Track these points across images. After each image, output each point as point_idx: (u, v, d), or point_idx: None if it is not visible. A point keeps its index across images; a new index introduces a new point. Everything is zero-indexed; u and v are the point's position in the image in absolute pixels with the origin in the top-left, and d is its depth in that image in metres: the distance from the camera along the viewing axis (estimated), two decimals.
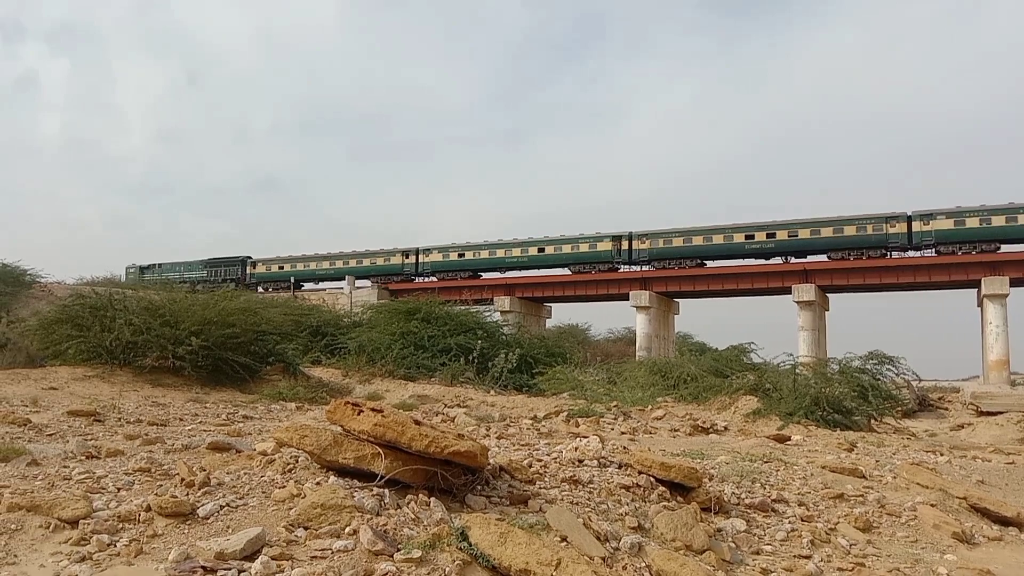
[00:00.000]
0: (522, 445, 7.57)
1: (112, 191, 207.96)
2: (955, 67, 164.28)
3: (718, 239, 46.15)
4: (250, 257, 63.66)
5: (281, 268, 61.39)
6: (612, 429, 11.11)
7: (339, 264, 58.08)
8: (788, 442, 10.86)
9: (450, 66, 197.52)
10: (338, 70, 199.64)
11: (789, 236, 44.77)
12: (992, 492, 8.72)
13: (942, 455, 11.21)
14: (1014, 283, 40.39)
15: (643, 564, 4.44)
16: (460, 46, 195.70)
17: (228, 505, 4.58)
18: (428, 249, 54.86)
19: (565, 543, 4.37)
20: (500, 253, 52.04)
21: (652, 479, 5.98)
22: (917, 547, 6.17)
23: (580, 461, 6.42)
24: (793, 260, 45.64)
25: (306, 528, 4.20)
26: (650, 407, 14.51)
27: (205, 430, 8.71)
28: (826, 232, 43.85)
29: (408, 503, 4.61)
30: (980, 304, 41.72)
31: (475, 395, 15.73)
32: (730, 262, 47.25)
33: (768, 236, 45.24)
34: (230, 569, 3.71)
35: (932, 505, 7.18)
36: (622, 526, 5.10)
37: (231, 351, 14.84)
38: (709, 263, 47.62)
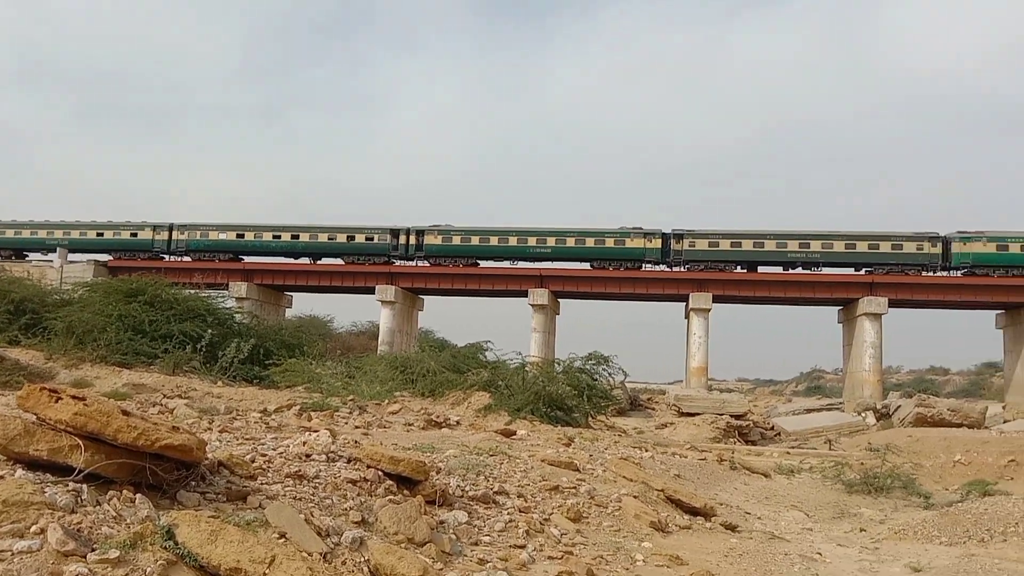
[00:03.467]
0: (247, 439, 7.23)
1: None
2: (698, 99, 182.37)
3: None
4: None
5: None
6: (346, 423, 10.98)
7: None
8: (514, 436, 11.39)
9: (204, 31, 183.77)
10: (70, 11, 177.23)
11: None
12: (686, 485, 9.78)
13: (647, 451, 12.38)
14: (716, 299, 45.84)
15: (363, 559, 4.42)
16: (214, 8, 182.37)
17: None
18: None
19: (283, 540, 4.23)
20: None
21: (381, 473, 5.98)
22: (619, 535, 6.75)
23: (308, 456, 6.25)
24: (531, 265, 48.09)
25: None
26: (387, 401, 14.54)
27: None
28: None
29: (110, 500, 4.21)
30: (687, 316, 46.73)
31: (200, 386, 14.79)
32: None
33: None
34: None
35: (635, 497, 7.89)
36: (346, 521, 5.04)
37: None
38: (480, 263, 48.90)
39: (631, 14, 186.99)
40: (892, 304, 43.47)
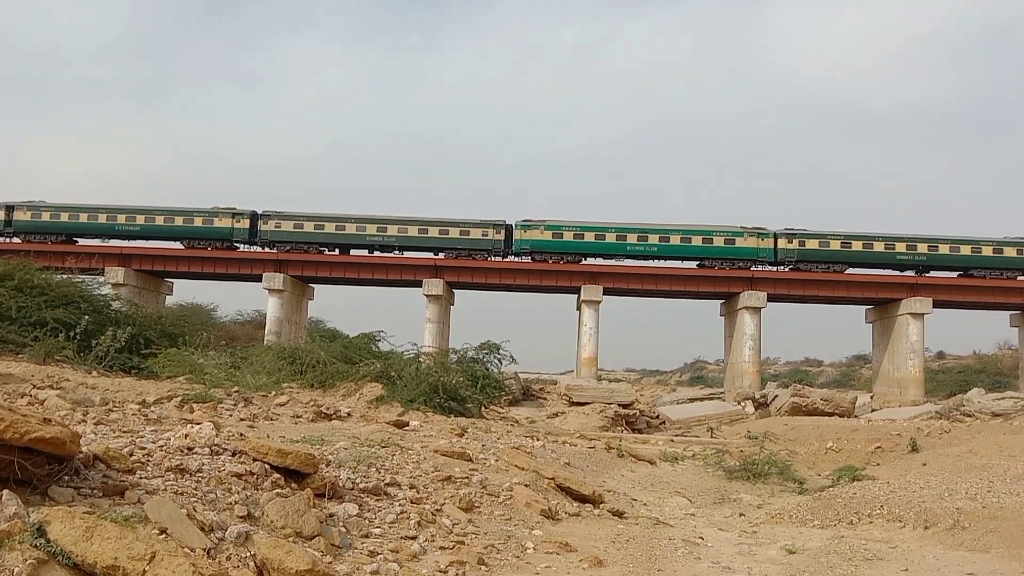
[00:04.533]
0: (124, 432, 6.89)
1: None
2: (584, 92, 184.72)
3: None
4: None
5: None
6: (231, 415, 10.61)
7: None
8: (407, 428, 11.33)
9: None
10: None
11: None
12: (576, 473, 9.97)
13: (538, 440, 12.55)
14: (607, 292, 46.93)
15: (249, 553, 4.30)
16: None
17: None
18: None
19: (164, 536, 4.07)
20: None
21: (268, 466, 5.82)
22: (511, 524, 6.82)
23: (190, 449, 6.02)
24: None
25: None
26: (274, 393, 14.15)
27: None
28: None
29: None
30: (579, 308, 47.62)
31: (73, 376, 13.96)
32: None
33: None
34: None
35: (526, 485, 7.99)
36: (231, 515, 4.89)
37: None
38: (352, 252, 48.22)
39: (530, 3, 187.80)
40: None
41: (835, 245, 46.48)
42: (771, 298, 46.06)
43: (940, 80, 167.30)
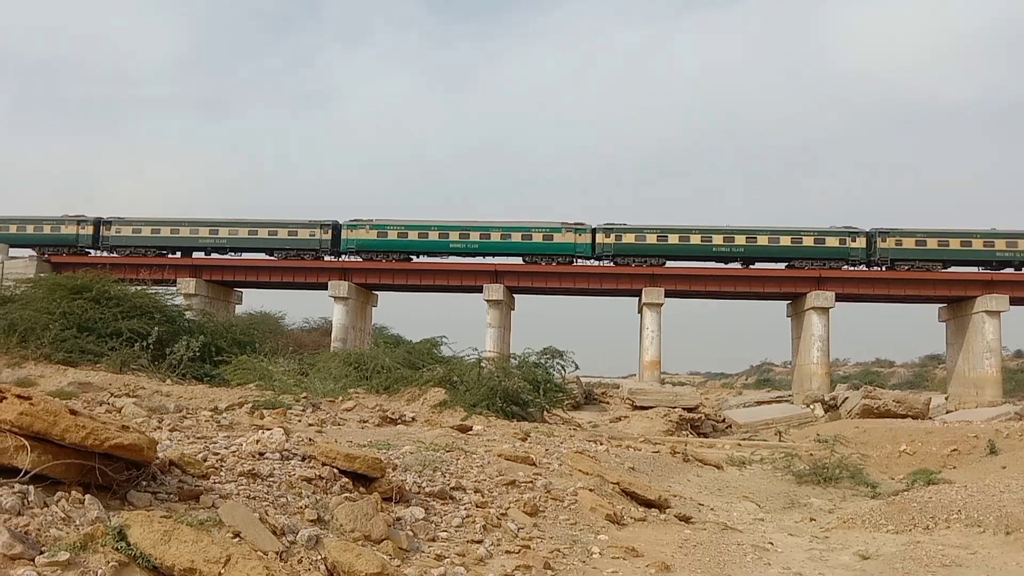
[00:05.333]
0: (198, 438, 7.11)
1: None
2: (642, 98, 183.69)
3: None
4: None
5: None
6: (300, 421, 10.85)
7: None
8: (470, 432, 11.39)
9: (140, 20, 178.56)
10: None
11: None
12: (640, 477, 9.87)
13: (602, 444, 12.48)
14: (669, 294, 46.44)
15: (319, 556, 4.38)
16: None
17: None
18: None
19: (238, 539, 4.18)
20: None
21: (336, 471, 5.92)
22: (576, 528, 6.79)
23: (261, 454, 6.17)
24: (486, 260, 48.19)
25: None
26: (341, 398, 14.41)
27: None
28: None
29: (58, 501, 4.11)
30: (640, 311, 47.22)
31: (148, 384, 14.46)
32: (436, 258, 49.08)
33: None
34: None
35: (590, 490, 7.95)
36: (301, 519, 4.99)
37: None
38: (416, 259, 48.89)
39: (580, 10, 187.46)
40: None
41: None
42: (840, 298, 44.91)
43: (995, 75, 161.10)
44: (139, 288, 20.35)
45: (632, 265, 46.56)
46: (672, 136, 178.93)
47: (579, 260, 47.52)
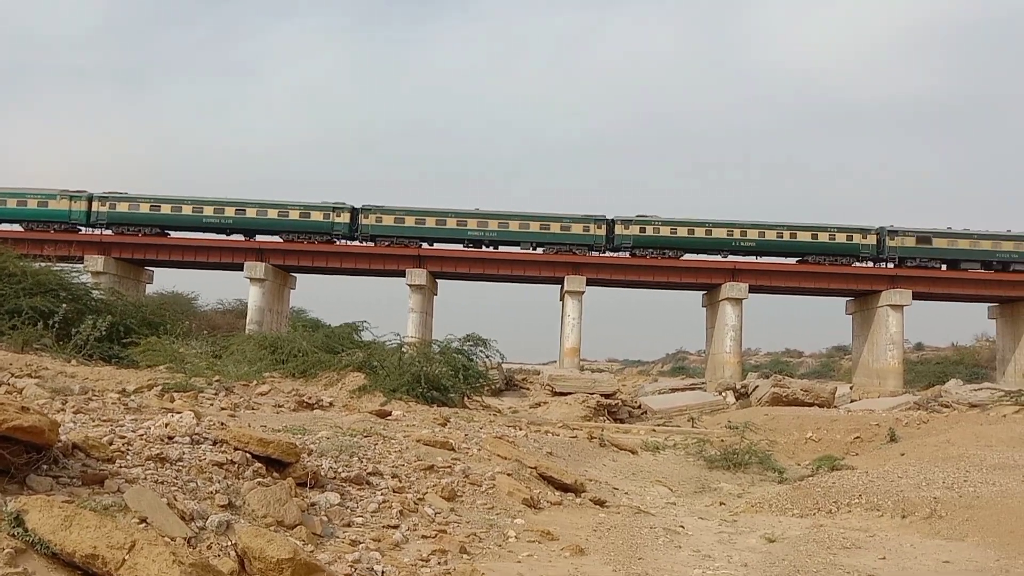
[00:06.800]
0: (104, 421, 6.83)
1: None
2: (570, 83, 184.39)
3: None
4: None
5: None
6: (212, 405, 10.55)
7: None
8: (389, 417, 11.31)
9: None
10: None
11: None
12: (558, 462, 10.00)
13: (521, 430, 12.59)
14: (590, 282, 47.00)
15: (230, 542, 4.28)
16: None
17: None
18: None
19: (144, 525, 4.05)
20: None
21: (249, 455, 5.80)
22: (493, 513, 6.83)
23: (170, 438, 5.98)
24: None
25: None
26: (256, 382, 14.08)
27: None
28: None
29: None
30: (562, 298, 47.68)
31: (52, 364, 13.82)
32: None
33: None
34: None
35: (508, 475, 8.00)
36: (211, 504, 4.87)
37: None
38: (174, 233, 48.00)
39: None
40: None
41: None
42: (753, 289, 46.31)
43: (927, 73, 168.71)
44: (43, 264, 19.44)
45: (391, 245, 47.12)
46: (596, 127, 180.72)
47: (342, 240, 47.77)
